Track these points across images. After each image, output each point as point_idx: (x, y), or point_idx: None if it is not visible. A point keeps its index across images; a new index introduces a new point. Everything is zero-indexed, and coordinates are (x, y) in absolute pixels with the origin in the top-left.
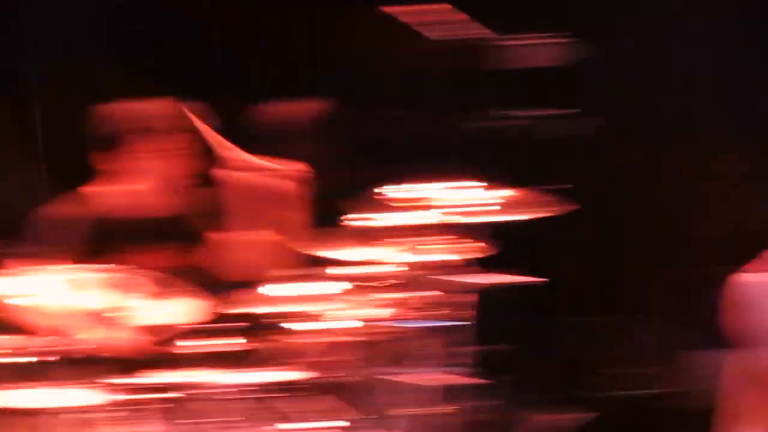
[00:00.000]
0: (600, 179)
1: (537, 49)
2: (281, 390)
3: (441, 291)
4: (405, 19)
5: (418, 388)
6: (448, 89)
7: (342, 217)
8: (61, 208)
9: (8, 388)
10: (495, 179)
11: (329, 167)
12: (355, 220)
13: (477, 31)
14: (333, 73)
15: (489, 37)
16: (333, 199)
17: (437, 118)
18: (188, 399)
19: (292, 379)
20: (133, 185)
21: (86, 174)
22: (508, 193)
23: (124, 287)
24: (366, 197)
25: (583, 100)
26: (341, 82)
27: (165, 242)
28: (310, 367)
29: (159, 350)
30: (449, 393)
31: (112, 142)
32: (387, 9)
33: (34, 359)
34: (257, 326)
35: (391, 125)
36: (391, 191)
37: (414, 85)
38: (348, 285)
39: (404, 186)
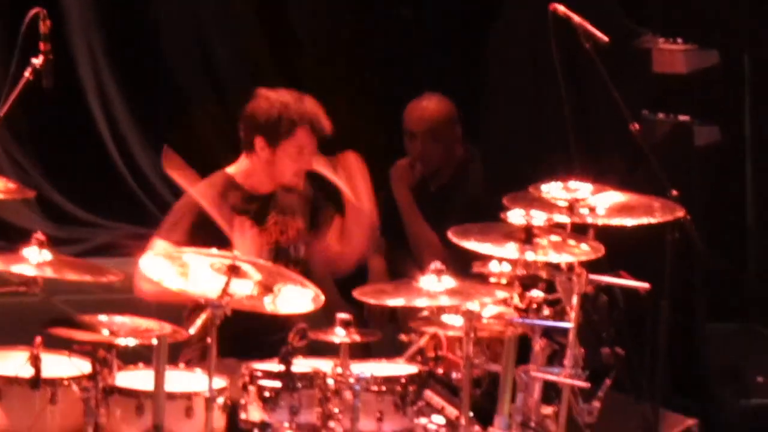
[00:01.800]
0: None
1: (687, 54)
2: (422, 383)
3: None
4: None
5: (544, 386)
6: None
7: (501, 212)
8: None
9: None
10: (637, 182)
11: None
12: (514, 215)
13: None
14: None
15: (649, 40)
16: (494, 194)
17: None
18: (334, 388)
19: (432, 373)
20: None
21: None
22: (641, 197)
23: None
24: (525, 192)
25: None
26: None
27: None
28: (450, 362)
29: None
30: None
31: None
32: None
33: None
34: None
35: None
36: (548, 188)
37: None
38: (494, 280)
39: (558, 184)
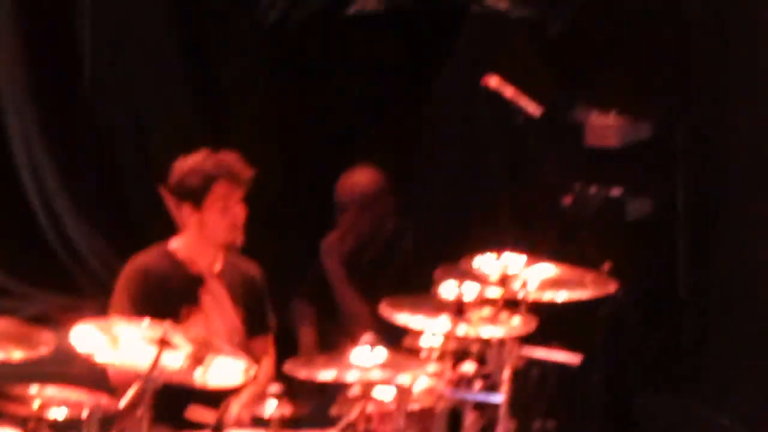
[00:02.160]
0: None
1: (619, 127)
2: None
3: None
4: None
5: None
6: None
7: (432, 285)
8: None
9: None
10: (569, 255)
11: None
12: (444, 289)
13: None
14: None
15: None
16: (425, 267)
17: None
18: None
19: None
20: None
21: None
22: (573, 270)
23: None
24: (456, 266)
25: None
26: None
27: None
28: None
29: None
30: None
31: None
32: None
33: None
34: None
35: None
36: (480, 261)
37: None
38: (425, 353)
39: (490, 256)
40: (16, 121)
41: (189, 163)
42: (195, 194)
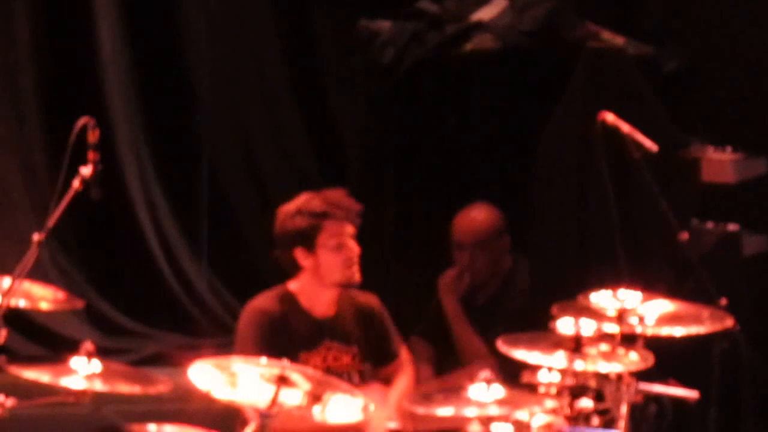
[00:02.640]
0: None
1: (736, 163)
2: None
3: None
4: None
5: None
6: (656, 199)
7: (551, 321)
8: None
9: None
10: (686, 291)
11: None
12: (561, 325)
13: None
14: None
15: (697, 149)
16: (542, 304)
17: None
18: None
19: None
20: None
21: None
22: (690, 306)
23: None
24: (572, 303)
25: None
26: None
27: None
28: None
29: None
30: None
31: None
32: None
33: None
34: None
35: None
36: (596, 298)
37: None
38: (543, 389)
39: (607, 293)
40: (133, 162)
41: (294, 206)
42: (305, 236)
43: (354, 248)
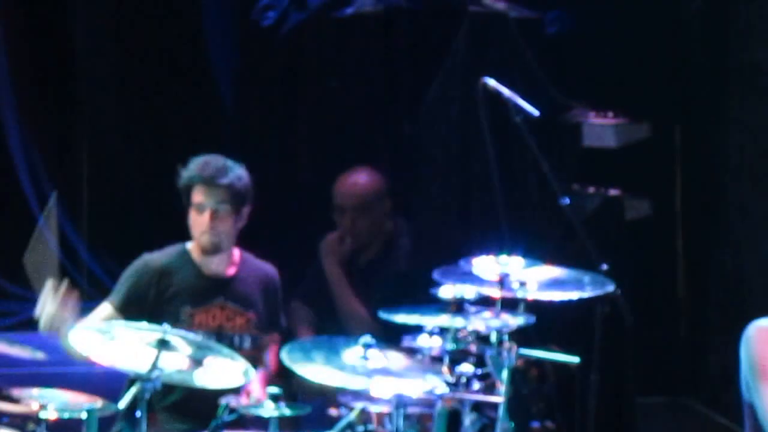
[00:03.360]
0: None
1: (617, 128)
2: None
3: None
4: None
5: None
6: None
7: (431, 286)
8: None
9: None
10: (568, 255)
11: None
12: (444, 290)
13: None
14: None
15: (579, 114)
16: (424, 268)
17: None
18: None
19: None
20: None
21: None
22: (571, 270)
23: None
24: (454, 267)
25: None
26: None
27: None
28: None
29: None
30: None
31: None
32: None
33: None
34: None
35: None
36: (478, 262)
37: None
38: (424, 356)
39: (488, 257)
40: (13, 123)
41: (189, 163)
42: (185, 195)
43: (207, 222)
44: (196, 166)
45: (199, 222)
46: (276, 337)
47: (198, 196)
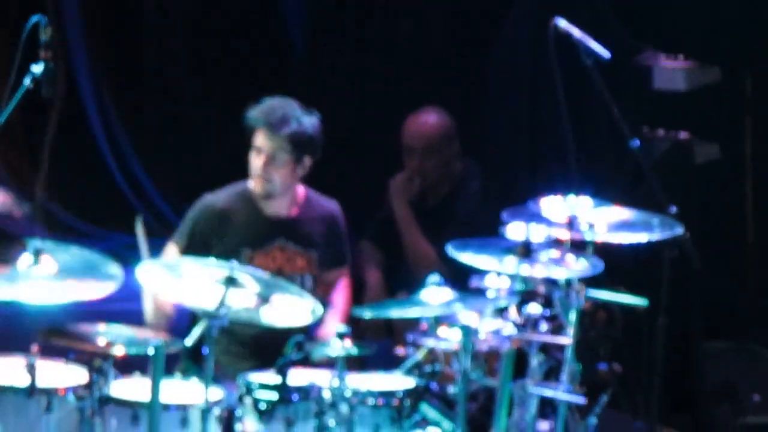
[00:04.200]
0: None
1: (688, 71)
2: (418, 396)
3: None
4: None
5: (541, 401)
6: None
7: (501, 227)
8: None
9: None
10: (636, 198)
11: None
12: (512, 231)
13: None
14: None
15: (649, 57)
16: (493, 209)
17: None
18: (330, 401)
19: (428, 387)
20: None
21: None
22: (640, 213)
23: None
24: (523, 208)
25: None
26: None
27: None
28: (446, 376)
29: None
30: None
31: None
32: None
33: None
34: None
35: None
36: (547, 204)
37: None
38: (492, 294)
39: (557, 199)
40: (85, 64)
41: (257, 106)
42: (249, 135)
43: (262, 167)
44: (263, 109)
45: (255, 164)
46: (345, 272)
47: (258, 139)
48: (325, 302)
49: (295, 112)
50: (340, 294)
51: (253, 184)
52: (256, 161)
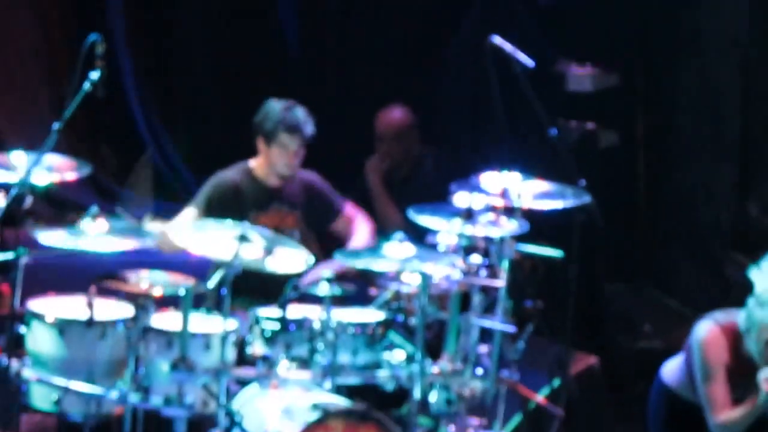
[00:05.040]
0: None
1: (593, 76)
2: (387, 326)
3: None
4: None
5: (481, 330)
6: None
7: (450, 196)
8: None
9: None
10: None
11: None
12: (459, 199)
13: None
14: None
15: (563, 65)
16: (443, 182)
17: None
18: (319, 330)
19: (395, 319)
20: None
21: None
22: (557, 185)
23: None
24: (467, 181)
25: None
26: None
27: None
28: (409, 311)
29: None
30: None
31: None
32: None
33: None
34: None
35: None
36: (485, 177)
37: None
38: (443, 248)
39: (494, 174)
40: (128, 67)
41: (267, 111)
42: (268, 134)
43: (293, 158)
44: (285, 115)
45: (283, 157)
46: (351, 211)
47: (284, 138)
48: (348, 237)
49: (306, 115)
50: (359, 225)
51: (265, 166)
52: (284, 155)
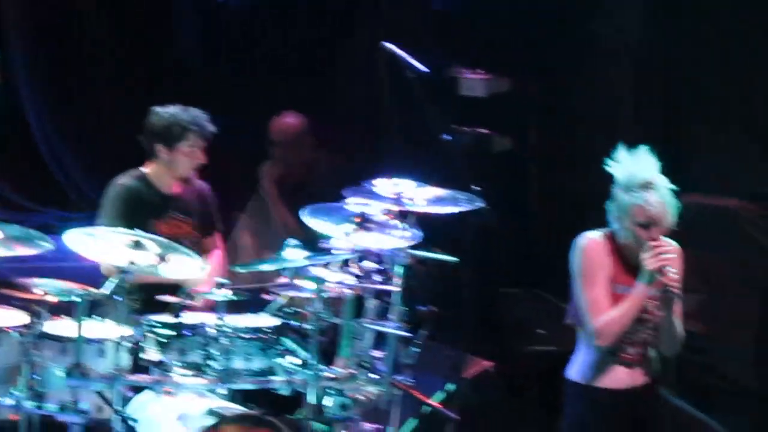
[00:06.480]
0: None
1: (486, 82)
2: (281, 332)
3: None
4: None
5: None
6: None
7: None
8: None
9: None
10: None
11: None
12: (351, 204)
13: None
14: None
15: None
16: (337, 187)
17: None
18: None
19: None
20: None
21: None
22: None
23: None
24: (360, 187)
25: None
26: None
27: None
28: (303, 316)
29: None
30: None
31: None
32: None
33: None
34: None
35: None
36: (378, 183)
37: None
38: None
39: (386, 179)
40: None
41: (167, 113)
42: (170, 137)
43: (200, 158)
44: (184, 114)
45: (189, 158)
46: (217, 241)
47: (191, 140)
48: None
49: (206, 116)
50: (215, 257)
51: (162, 168)
52: (191, 155)
